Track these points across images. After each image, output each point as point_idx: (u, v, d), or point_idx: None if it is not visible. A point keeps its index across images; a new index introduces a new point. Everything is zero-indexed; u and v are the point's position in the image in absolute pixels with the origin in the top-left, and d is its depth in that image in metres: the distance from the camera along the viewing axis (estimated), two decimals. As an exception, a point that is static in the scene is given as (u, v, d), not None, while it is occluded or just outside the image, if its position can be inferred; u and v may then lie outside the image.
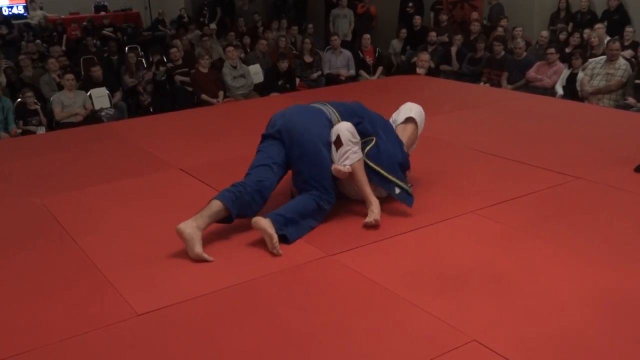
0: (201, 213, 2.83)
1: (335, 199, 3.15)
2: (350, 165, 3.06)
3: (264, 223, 2.82)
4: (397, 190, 3.14)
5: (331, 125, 3.18)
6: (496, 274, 2.57)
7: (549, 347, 2.08)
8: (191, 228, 2.76)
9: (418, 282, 2.53)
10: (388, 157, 3.18)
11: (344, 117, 3.22)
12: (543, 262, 2.67)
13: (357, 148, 3.10)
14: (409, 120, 3.42)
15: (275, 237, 2.81)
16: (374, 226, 3.02)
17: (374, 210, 3.05)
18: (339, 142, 3.08)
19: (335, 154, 3.10)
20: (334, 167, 3.07)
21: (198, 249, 2.75)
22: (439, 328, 2.21)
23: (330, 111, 3.25)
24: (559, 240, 2.87)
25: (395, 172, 3.17)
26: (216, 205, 2.86)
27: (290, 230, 2.92)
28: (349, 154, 3.07)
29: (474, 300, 2.38)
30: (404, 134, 3.39)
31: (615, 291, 2.41)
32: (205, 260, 2.74)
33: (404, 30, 10.23)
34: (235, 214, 2.91)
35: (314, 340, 2.16)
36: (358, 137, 3.14)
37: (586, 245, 2.80)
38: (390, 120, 3.50)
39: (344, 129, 3.10)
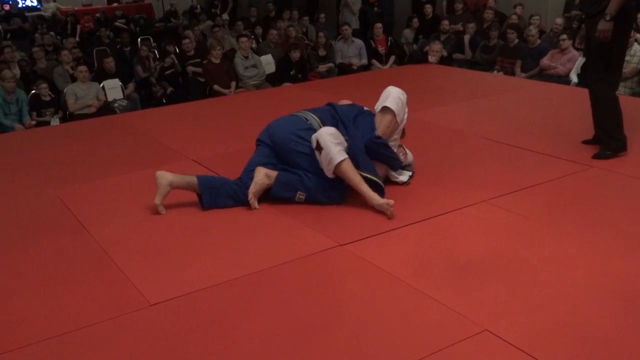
0: (182, 175, 3.25)
1: (345, 187, 3.17)
2: (335, 166, 3.06)
3: (261, 172, 3.19)
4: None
5: (310, 126, 3.27)
6: (508, 264, 2.56)
7: (560, 336, 2.07)
8: (165, 180, 3.20)
9: (430, 272, 2.53)
10: (359, 153, 3.19)
11: (326, 122, 3.29)
12: (555, 251, 2.66)
13: (339, 149, 3.08)
14: (385, 109, 3.30)
15: (261, 182, 3.17)
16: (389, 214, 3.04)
17: (379, 202, 3.06)
18: (319, 147, 3.09)
19: (320, 159, 3.11)
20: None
21: (158, 200, 3.21)
22: (451, 318, 2.20)
23: (310, 117, 3.35)
24: (572, 230, 2.85)
25: (367, 166, 3.19)
26: (194, 179, 3.23)
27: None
28: (331, 155, 3.05)
29: (485, 289, 2.38)
30: (381, 122, 3.31)
31: (628, 281, 2.40)
32: (158, 213, 3.18)
33: (415, 19, 10.16)
34: (204, 199, 3.24)
35: (326, 330, 2.17)
36: (341, 138, 3.13)
37: (599, 235, 2.79)
38: (374, 108, 3.44)
39: (324, 133, 3.10)
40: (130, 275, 2.60)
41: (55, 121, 7.12)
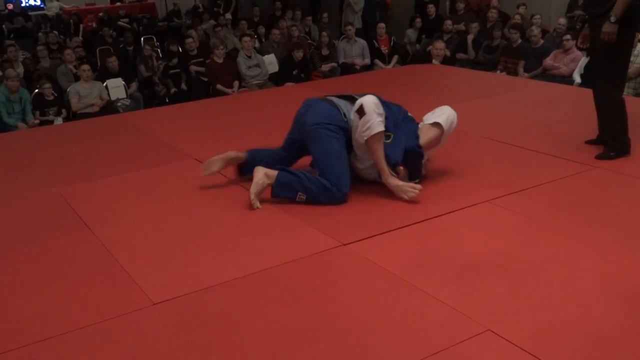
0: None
1: (347, 187, 3.18)
2: (371, 136, 3.09)
3: (260, 172, 3.20)
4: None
5: (340, 113, 3.26)
6: (511, 264, 2.56)
7: (563, 336, 2.07)
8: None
9: (433, 271, 2.53)
10: (396, 147, 3.20)
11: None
12: (558, 251, 2.65)
13: (380, 120, 3.10)
14: (436, 125, 3.39)
15: (262, 182, 3.18)
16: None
17: (396, 183, 3.13)
18: (361, 111, 3.10)
19: (358, 122, 3.12)
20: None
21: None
22: (454, 317, 2.20)
23: (342, 103, 3.31)
24: (575, 230, 2.84)
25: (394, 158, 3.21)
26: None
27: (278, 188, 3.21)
28: (371, 123, 3.07)
29: (489, 289, 2.37)
30: (426, 134, 3.37)
31: (631, 281, 2.39)
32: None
33: (418, 19, 10.16)
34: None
35: (329, 330, 2.17)
36: (382, 110, 3.15)
37: (602, 235, 2.78)
38: (424, 118, 3.49)
39: (369, 99, 3.12)
40: (133, 274, 2.60)
41: (58, 120, 7.14)
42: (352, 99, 3.30)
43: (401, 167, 3.23)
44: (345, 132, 3.23)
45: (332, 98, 3.39)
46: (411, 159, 3.28)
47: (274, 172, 3.22)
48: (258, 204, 3.20)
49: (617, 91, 3.69)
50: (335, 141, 3.21)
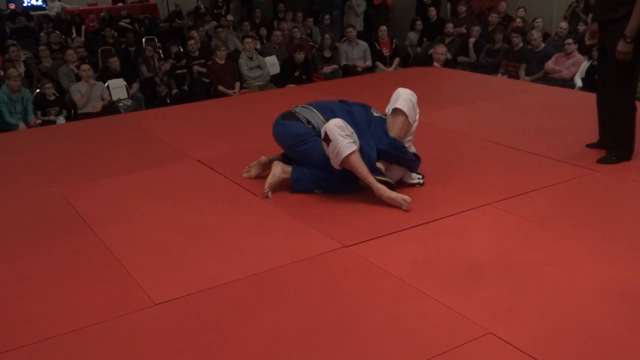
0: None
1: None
2: (343, 159, 3.09)
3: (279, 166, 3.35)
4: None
5: (311, 125, 3.35)
6: (512, 267, 2.56)
7: (565, 339, 2.07)
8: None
9: (434, 274, 2.53)
10: (367, 158, 3.20)
11: (328, 117, 3.27)
12: (559, 254, 2.66)
13: (348, 141, 3.09)
14: (397, 111, 3.33)
15: (278, 175, 3.33)
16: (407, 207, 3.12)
17: (390, 195, 3.13)
18: (327, 139, 3.11)
19: (327, 151, 3.14)
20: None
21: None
22: (455, 320, 2.21)
23: (311, 115, 3.39)
24: (576, 233, 2.85)
25: (372, 169, 3.21)
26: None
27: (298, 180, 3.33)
28: (339, 148, 3.07)
29: (490, 292, 2.38)
30: (393, 125, 3.34)
31: (632, 284, 2.39)
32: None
33: (419, 22, 10.16)
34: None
35: (330, 332, 2.17)
36: (350, 130, 3.14)
37: (603, 238, 2.78)
38: (385, 110, 3.47)
39: (332, 125, 3.11)
40: (135, 275, 2.60)
41: (60, 120, 7.14)
42: (312, 109, 3.43)
43: (379, 164, 3.26)
44: (317, 133, 3.31)
45: (295, 110, 3.48)
46: (394, 154, 3.28)
47: (289, 167, 3.37)
48: (269, 194, 3.32)
49: (633, 99, 3.66)
50: (315, 148, 3.28)
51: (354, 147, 3.10)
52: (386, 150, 3.26)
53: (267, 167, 3.60)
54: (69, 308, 2.39)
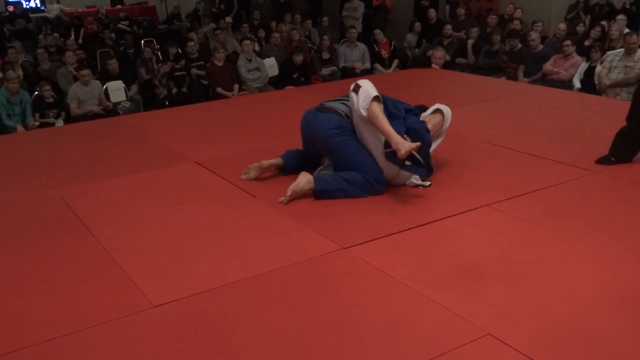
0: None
1: (384, 179, 3.30)
2: (369, 104, 3.17)
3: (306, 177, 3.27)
4: (408, 163, 3.18)
5: (340, 116, 3.39)
6: (511, 268, 2.56)
7: (563, 341, 2.07)
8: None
9: (433, 275, 2.53)
10: (413, 132, 3.26)
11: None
12: (558, 256, 2.66)
13: (375, 92, 3.21)
14: (436, 111, 3.58)
15: (302, 185, 3.24)
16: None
17: (404, 145, 3.07)
18: (357, 87, 3.23)
19: (356, 99, 3.22)
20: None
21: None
22: (454, 321, 2.21)
23: (338, 105, 3.45)
24: (575, 235, 2.85)
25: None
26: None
27: (322, 185, 3.27)
28: (369, 91, 3.20)
29: (488, 293, 2.38)
30: (430, 120, 3.52)
31: (631, 286, 2.39)
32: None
33: (417, 24, 10.18)
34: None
35: (329, 334, 2.17)
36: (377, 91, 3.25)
37: (602, 240, 2.78)
38: (422, 116, 3.59)
39: (363, 80, 3.29)
40: (134, 277, 2.60)
41: (59, 122, 7.15)
42: (342, 100, 3.48)
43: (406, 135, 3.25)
44: (353, 130, 3.36)
45: (328, 104, 3.51)
46: (419, 138, 3.25)
47: (312, 179, 3.31)
48: (285, 200, 3.25)
49: None
50: (352, 141, 3.32)
51: (377, 93, 3.21)
52: (418, 129, 3.29)
53: (266, 170, 3.61)
54: (67, 310, 2.38)
